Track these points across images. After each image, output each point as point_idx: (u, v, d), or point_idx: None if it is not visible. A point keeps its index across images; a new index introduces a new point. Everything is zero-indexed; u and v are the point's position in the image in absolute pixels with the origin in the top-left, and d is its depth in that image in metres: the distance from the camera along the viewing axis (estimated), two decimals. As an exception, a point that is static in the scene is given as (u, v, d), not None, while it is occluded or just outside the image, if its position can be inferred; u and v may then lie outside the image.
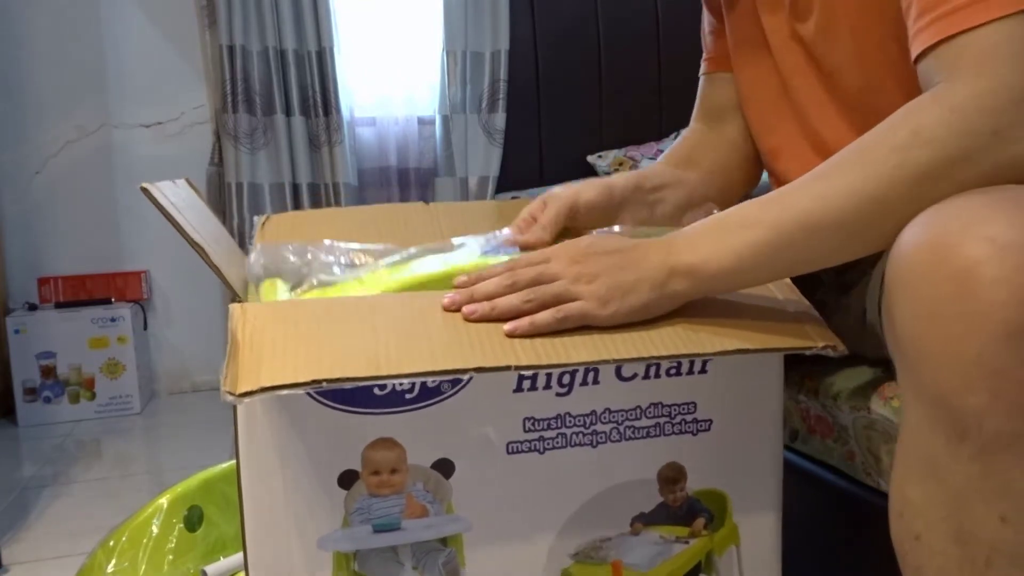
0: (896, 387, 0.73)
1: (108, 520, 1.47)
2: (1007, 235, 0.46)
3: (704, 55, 0.98)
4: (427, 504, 0.63)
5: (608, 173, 2.46)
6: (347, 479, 0.61)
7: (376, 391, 0.60)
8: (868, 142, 0.58)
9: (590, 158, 2.52)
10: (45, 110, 2.35)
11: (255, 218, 0.91)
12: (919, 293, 0.48)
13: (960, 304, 0.46)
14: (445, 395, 0.61)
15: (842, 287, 0.81)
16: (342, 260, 0.73)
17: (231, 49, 2.31)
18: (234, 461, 1.23)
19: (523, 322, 0.60)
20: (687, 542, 0.68)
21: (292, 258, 0.72)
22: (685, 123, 1.00)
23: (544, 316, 0.61)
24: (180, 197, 0.70)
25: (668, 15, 2.60)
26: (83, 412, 2.27)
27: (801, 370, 0.85)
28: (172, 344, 2.48)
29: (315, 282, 0.70)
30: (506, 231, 0.76)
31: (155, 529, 1.06)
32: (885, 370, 0.76)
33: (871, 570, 0.73)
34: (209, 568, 1.05)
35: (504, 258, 0.70)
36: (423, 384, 0.61)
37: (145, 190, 0.64)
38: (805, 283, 0.86)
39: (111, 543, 1.05)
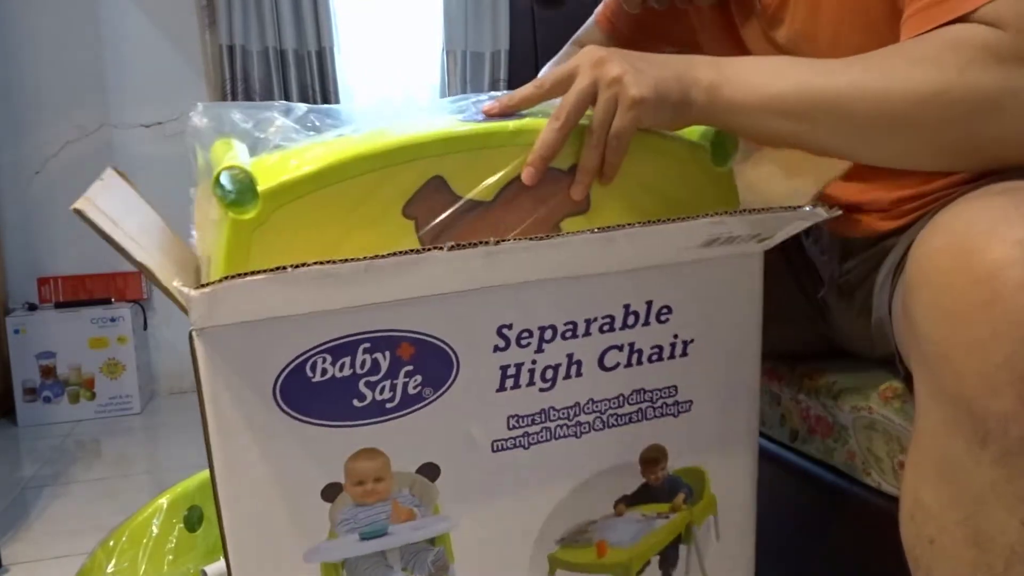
0: (897, 387, 0.73)
1: (108, 520, 1.47)
2: None
3: (604, 12, 0.97)
4: (414, 508, 0.62)
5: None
6: (331, 491, 0.60)
7: (355, 403, 0.59)
8: (919, 49, 0.57)
9: (590, 158, 2.52)
10: (45, 110, 2.35)
11: (191, 190, 0.77)
12: (943, 295, 0.48)
13: (986, 308, 0.46)
14: (427, 400, 0.61)
15: (846, 286, 0.81)
16: (306, 125, 0.66)
17: (231, 49, 2.31)
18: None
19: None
20: (667, 517, 0.70)
21: (243, 123, 0.65)
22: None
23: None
24: (115, 202, 0.65)
25: (668, 15, 2.60)
26: (83, 412, 2.27)
27: (801, 369, 0.85)
28: (172, 344, 2.48)
29: (273, 147, 0.63)
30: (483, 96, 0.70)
31: (155, 529, 1.06)
32: (886, 370, 0.76)
33: (871, 570, 0.73)
34: (209, 568, 1.05)
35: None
36: (404, 391, 0.60)
37: (78, 211, 0.59)
38: (806, 282, 0.87)
39: (111, 543, 1.05)
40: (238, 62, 2.32)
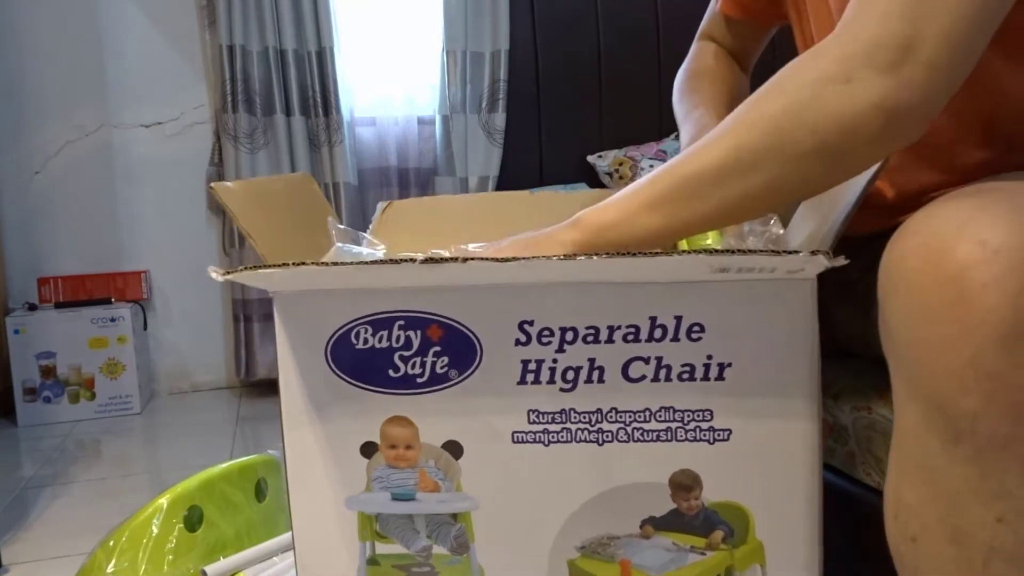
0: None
1: (108, 520, 1.47)
2: (999, 238, 0.46)
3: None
4: (438, 480, 0.67)
5: (608, 174, 2.46)
6: (368, 449, 0.67)
7: (391, 373, 0.65)
8: (745, 104, 0.60)
9: (590, 158, 2.52)
10: (45, 110, 2.35)
11: (379, 204, 1.00)
12: (912, 296, 0.49)
13: (953, 308, 0.46)
14: (452, 382, 0.65)
15: (845, 283, 0.81)
16: None
17: (231, 49, 2.32)
18: (233, 462, 1.24)
19: None
20: (703, 553, 0.67)
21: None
22: (685, 123, 1.00)
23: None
24: (264, 188, 0.79)
25: (668, 15, 2.60)
26: (83, 412, 2.27)
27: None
28: (172, 344, 2.48)
29: None
30: None
31: (155, 529, 1.06)
32: (886, 370, 0.76)
33: (871, 570, 0.73)
34: (209, 568, 1.05)
35: None
36: (432, 369, 0.65)
37: (213, 188, 0.72)
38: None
39: (111, 543, 1.05)
40: (238, 62, 2.32)
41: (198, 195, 2.43)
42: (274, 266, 0.59)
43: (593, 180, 2.49)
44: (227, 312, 2.48)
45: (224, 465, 1.17)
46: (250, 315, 2.39)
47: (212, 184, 0.72)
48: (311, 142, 2.42)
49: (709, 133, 0.61)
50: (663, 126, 2.57)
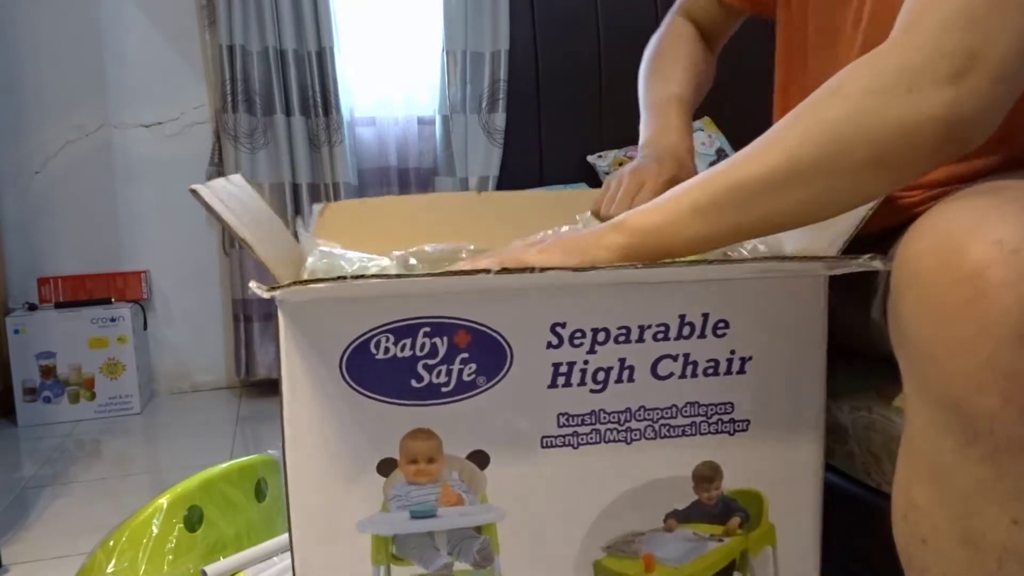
0: (898, 387, 0.73)
1: (108, 520, 1.47)
2: (1015, 238, 0.46)
3: None
4: (462, 493, 0.65)
5: (608, 173, 2.46)
6: (385, 467, 0.63)
7: (413, 383, 0.62)
8: (796, 111, 0.59)
9: (590, 158, 2.52)
10: (45, 110, 2.35)
11: (314, 206, 0.94)
12: (928, 296, 0.48)
13: (969, 307, 0.46)
14: (480, 389, 0.63)
15: (847, 286, 0.81)
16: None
17: (231, 49, 2.31)
18: (233, 462, 1.24)
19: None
20: (721, 540, 0.69)
21: (349, 268, 0.75)
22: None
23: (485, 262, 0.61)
24: (229, 192, 0.73)
25: (668, 15, 2.60)
26: (83, 412, 2.27)
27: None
28: (172, 344, 2.48)
29: None
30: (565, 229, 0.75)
31: (155, 529, 1.06)
32: (886, 370, 0.76)
33: (871, 570, 0.73)
34: (209, 568, 1.05)
35: None
36: (459, 377, 0.63)
37: (193, 191, 0.65)
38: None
39: (111, 543, 1.05)
40: (238, 62, 2.32)
41: (198, 195, 2.43)
42: (327, 280, 0.55)
43: (593, 180, 2.49)
44: (227, 312, 2.47)
45: (224, 465, 1.17)
46: (250, 315, 2.39)
47: (192, 187, 0.66)
48: (311, 142, 2.42)
49: (761, 138, 0.59)
50: (663, 126, 2.57)
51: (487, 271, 0.56)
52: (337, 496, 0.63)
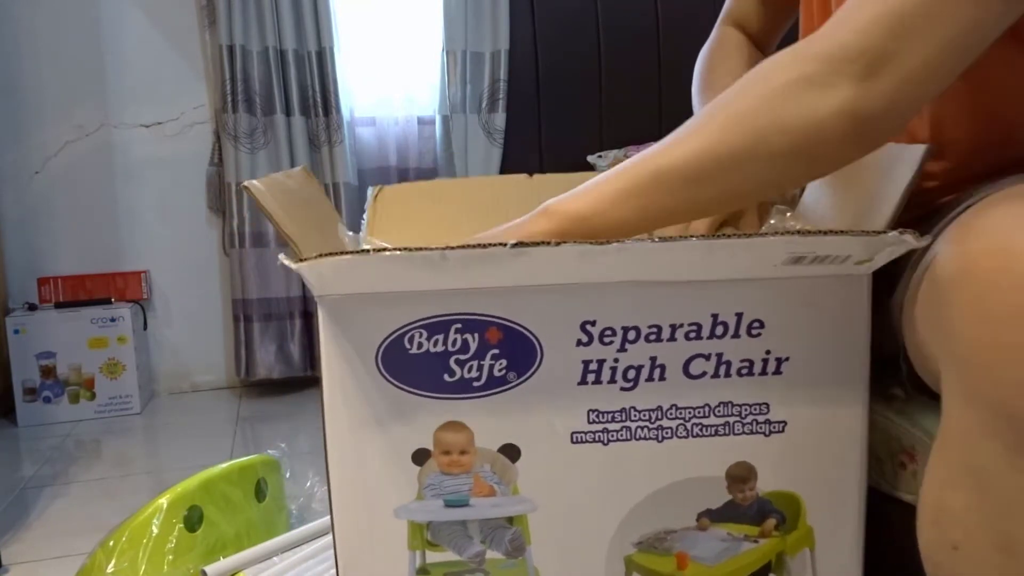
0: (898, 387, 0.73)
1: (108, 520, 1.47)
2: None
3: None
4: (494, 484, 0.66)
5: (608, 173, 2.46)
6: (420, 456, 0.65)
7: (446, 377, 0.64)
8: (720, 98, 0.60)
9: (590, 158, 2.52)
10: (45, 110, 2.35)
11: (368, 189, 0.99)
12: (985, 298, 0.47)
13: None
14: (511, 384, 0.64)
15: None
16: None
17: (231, 49, 2.31)
18: (233, 462, 1.24)
19: None
20: (756, 541, 0.68)
21: None
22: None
23: None
24: (283, 188, 0.75)
25: (668, 15, 2.60)
26: (83, 412, 2.27)
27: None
28: (172, 344, 2.48)
29: None
30: None
31: (155, 529, 1.06)
32: (886, 370, 0.76)
33: (871, 570, 0.73)
34: (209, 568, 1.05)
35: None
36: (490, 373, 0.64)
37: (246, 188, 0.68)
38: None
39: (111, 543, 1.05)
40: (238, 62, 2.32)
41: (198, 195, 2.43)
42: (348, 253, 0.56)
43: (593, 180, 2.49)
44: (227, 312, 2.47)
45: (224, 465, 1.17)
46: (250, 315, 2.39)
47: (244, 184, 0.69)
48: (311, 142, 2.42)
49: (687, 124, 0.61)
50: (663, 126, 2.57)
51: (503, 244, 0.57)
52: (375, 484, 0.66)
